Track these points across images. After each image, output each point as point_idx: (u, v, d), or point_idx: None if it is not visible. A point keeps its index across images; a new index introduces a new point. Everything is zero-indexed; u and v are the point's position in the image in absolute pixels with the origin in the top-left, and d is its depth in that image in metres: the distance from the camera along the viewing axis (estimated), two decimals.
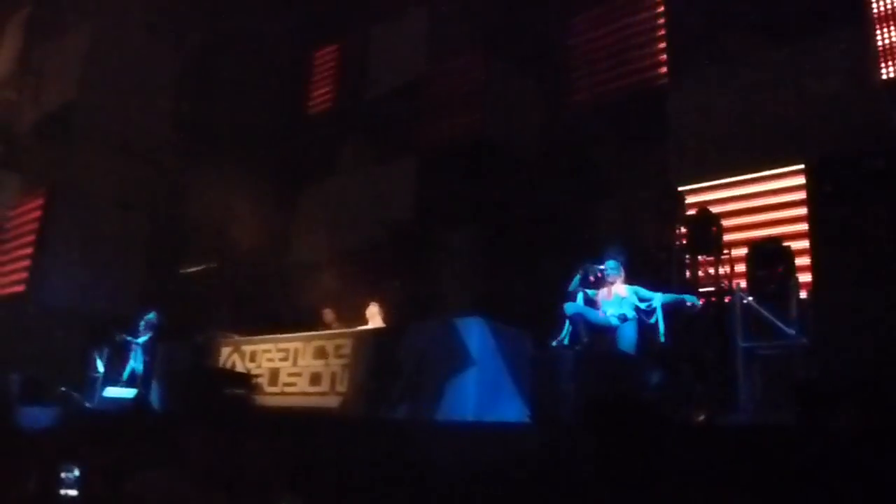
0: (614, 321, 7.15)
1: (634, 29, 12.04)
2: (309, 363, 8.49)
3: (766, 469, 4.02)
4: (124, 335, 11.04)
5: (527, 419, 6.27)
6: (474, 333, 7.16)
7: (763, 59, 10.41)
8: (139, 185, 16.02)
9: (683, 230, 9.94)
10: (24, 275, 14.98)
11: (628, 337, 7.09)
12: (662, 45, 11.66)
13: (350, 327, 9.80)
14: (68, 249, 14.73)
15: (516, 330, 7.66)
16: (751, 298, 7.68)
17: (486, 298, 10.55)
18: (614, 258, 7.54)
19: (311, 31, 17.05)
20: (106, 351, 11.70)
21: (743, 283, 8.30)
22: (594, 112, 11.86)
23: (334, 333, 8.88)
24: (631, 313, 7.17)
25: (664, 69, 11.53)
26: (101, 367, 11.64)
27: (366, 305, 9.98)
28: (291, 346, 8.79)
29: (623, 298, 7.25)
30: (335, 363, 8.23)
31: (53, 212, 15.13)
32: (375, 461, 5.66)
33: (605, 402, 5.57)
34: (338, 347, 8.31)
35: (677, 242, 10.01)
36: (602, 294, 7.43)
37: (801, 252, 9.09)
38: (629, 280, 7.37)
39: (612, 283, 7.42)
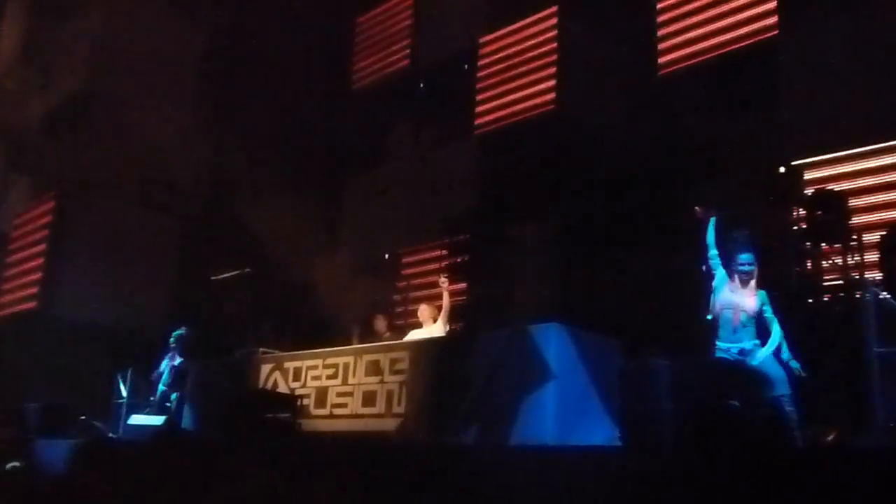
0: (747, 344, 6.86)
1: None
2: (361, 380, 8.58)
3: None
4: (163, 362, 11.33)
5: (616, 442, 6.22)
6: (553, 342, 7.15)
7: (894, 4, 10.10)
8: (165, 181, 16.35)
9: (801, 213, 9.73)
10: (36, 288, 15.40)
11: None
12: None
13: (403, 336, 9.89)
14: (86, 258, 15.12)
15: (602, 337, 7.62)
16: (887, 294, 7.46)
17: (565, 301, 10.51)
18: (747, 247, 7.15)
19: None
20: (130, 373, 12.00)
21: (877, 276, 8.09)
22: (689, 76, 11.68)
23: (389, 345, 8.97)
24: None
25: (774, 19, 11.26)
26: (124, 391, 11.94)
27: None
28: (341, 360, 8.90)
29: (752, 318, 6.93)
30: (391, 380, 8.31)
31: (67, 216, 15.53)
32: (440, 492, 5.70)
33: (711, 422, 5.50)
34: (394, 362, 8.39)
35: (794, 228, 9.80)
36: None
37: None
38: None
39: (744, 285, 7.04)
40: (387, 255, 14.87)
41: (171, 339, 11.38)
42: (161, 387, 11.17)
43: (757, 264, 6.96)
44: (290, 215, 13.18)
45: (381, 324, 10.74)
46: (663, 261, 9.16)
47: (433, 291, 11.40)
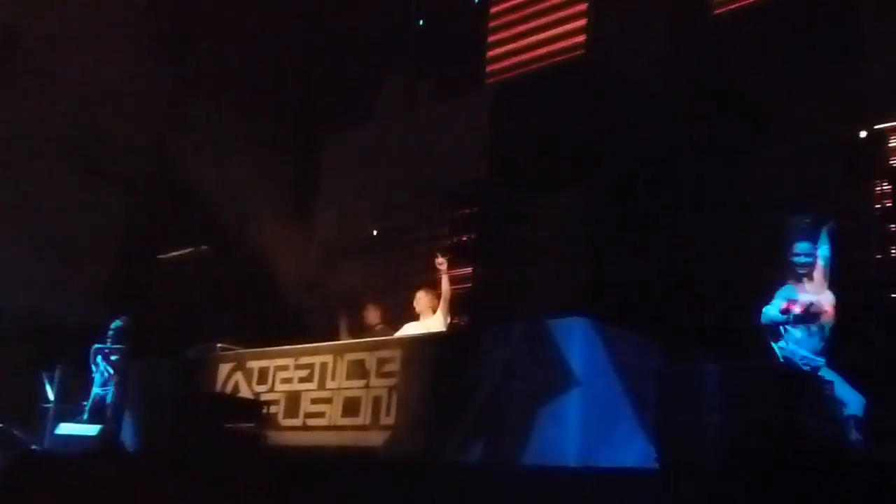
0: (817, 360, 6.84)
1: None
2: (342, 384, 8.60)
3: None
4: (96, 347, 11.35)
5: (652, 463, 6.22)
6: (577, 340, 7.16)
7: None
8: (106, 140, 16.30)
9: (886, 187, 9.72)
10: None
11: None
12: None
13: (397, 330, 9.87)
14: (6, 231, 15.09)
15: (637, 335, 7.63)
16: None
17: (593, 290, 10.51)
18: (807, 234, 7.19)
19: None
20: (58, 373, 12.01)
21: None
22: (750, 15, 11.63)
23: (377, 342, 8.99)
24: None
25: None
26: (51, 394, 11.97)
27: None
28: (317, 360, 8.93)
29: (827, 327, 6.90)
30: (379, 384, 8.32)
31: None
32: None
33: (768, 438, 5.50)
34: (382, 362, 8.40)
35: (877, 205, 9.80)
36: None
37: None
38: None
39: (804, 280, 7.02)
40: (375, 232, 14.88)
41: (109, 332, 11.41)
42: (96, 389, 11.19)
43: (820, 256, 6.95)
44: (256, 182, 13.18)
45: (373, 315, 10.73)
46: (712, 242, 9.13)
47: (431, 276, 11.39)
